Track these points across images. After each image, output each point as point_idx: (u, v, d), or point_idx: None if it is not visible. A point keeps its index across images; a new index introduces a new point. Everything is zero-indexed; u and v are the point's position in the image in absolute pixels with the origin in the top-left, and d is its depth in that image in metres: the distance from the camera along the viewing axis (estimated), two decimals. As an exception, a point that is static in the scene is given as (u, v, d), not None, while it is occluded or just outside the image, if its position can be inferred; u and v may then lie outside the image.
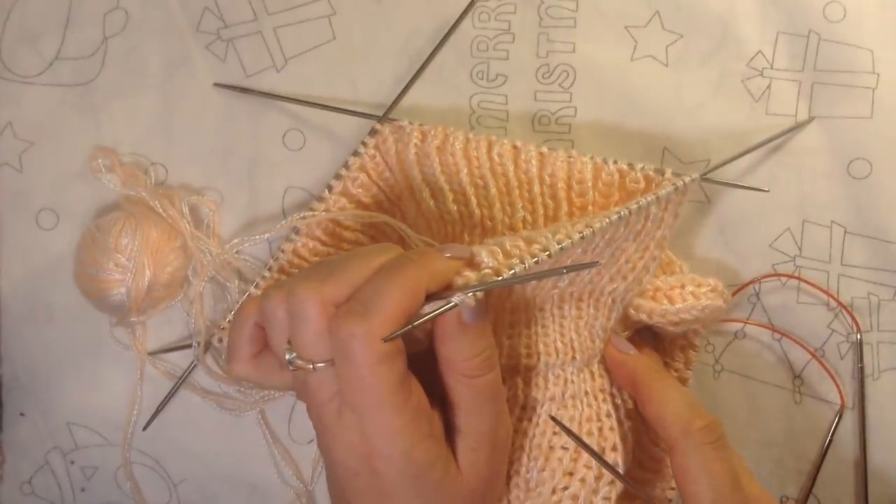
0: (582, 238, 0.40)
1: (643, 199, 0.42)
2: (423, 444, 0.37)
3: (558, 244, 0.39)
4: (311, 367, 0.37)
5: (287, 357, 0.37)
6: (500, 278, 0.37)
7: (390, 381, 0.35)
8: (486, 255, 0.38)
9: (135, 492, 0.54)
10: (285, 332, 0.38)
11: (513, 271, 0.37)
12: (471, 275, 0.37)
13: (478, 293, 0.36)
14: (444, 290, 0.37)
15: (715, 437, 0.41)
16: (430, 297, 0.37)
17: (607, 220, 0.41)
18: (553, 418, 0.43)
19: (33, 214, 0.53)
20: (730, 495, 0.40)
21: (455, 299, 0.36)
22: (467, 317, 0.37)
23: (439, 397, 0.39)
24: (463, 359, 0.38)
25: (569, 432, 0.42)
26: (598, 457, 0.42)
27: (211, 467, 0.54)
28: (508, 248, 0.39)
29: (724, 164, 0.48)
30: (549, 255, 0.38)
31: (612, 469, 0.42)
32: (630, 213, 0.42)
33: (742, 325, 0.51)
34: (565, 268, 0.38)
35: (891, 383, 0.50)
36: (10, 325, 0.54)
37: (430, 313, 0.36)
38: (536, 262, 0.38)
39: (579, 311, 0.45)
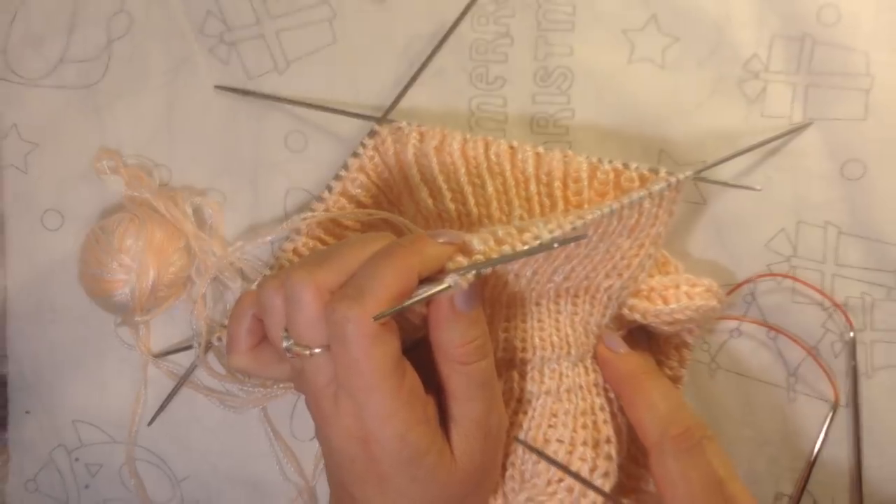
0: (573, 228, 0.40)
1: (635, 194, 0.43)
2: (418, 429, 0.37)
3: (549, 233, 0.40)
4: (308, 353, 0.37)
5: (284, 344, 0.38)
6: (493, 259, 0.38)
7: (384, 363, 0.36)
8: (478, 242, 0.39)
9: (139, 488, 0.55)
10: (282, 321, 0.38)
11: (504, 247, 0.38)
12: (463, 260, 0.38)
13: (470, 275, 0.37)
14: (436, 275, 0.38)
15: (690, 444, 0.42)
16: (423, 282, 0.37)
17: (599, 213, 0.41)
18: (520, 440, 0.43)
19: (38, 215, 0.53)
20: (706, 501, 0.41)
21: (448, 280, 0.36)
22: (460, 303, 0.38)
23: (435, 388, 0.40)
24: (456, 345, 0.38)
25: (537, 452, 0.43)
26: (574, 473, 0.43)
27: (214, 464, 0.55)
28: (501, 235, 0.40)
29: (719, 163, 0.48)
30: (541, 244, 0.39)
31: (588, 483, 0.43)
32: (622, 206, 0.42)
33: (737, 324, 0.51)
34: (556, 241, 0.39)
35: (884, 382, 0.51)
36: (16, 324, 0.54)
37: (422, 294, 0.36)
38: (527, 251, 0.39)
39: (575, 306, 0.46)
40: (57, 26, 0.52)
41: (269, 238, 0.50)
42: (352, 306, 0.35)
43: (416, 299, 0.36)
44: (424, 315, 0.39)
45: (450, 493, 0.39)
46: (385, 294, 0.36)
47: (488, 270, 0.38)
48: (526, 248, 0.39)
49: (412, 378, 0.38)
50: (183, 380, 0.53)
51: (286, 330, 0.38)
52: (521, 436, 0.44)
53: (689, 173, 0.45)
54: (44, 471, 0.56)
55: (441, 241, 0.39)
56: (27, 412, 0.55)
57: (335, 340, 0.36)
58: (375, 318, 0.35)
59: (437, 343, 0.39)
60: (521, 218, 0.47)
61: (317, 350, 0.37)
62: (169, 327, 0.53)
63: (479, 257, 0.38)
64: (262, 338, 0.41)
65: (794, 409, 0.52)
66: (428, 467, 0.38)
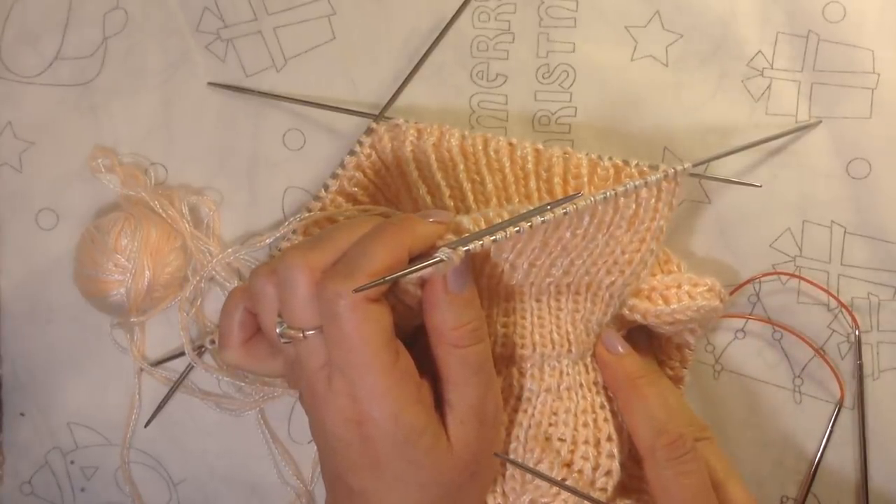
0: (565, 214, 0.40)
1: (630, 183, 0.43)
2: (412, 409, 0.37)
3: (541, 216, 0.39)
4: (302, 334, 0.37)
5: (278, 329, 0.38)
6: (484, 229, 0.38)
7: (377, 340, 0.36)
8: (469, 222, 0.39)
9: (133, 493, 0.54)
10: (275, 307, 0.38)
11: (500, 223, 0.38)
12: (453, 238, 0.38)
13: (461, 251, 0.37)
14: (428, 250, 0.38)
15: (681, 453, 0.42)
16: (413, 260, 0.37)
17: (592, 199, 0.41)
18: (498, 455, 0.43)
19: (33, 214, 0.53)
20: None
21: (440, 254, 0.36)
22: (452, 282, 0.37)
23: (431, 377, 0.39)
24: (450, 328, 0.38)
25: (525, 468, 0.43)
26: (559, 482, 0.42)
27: (211, 467, 0.54)
28: (492, 217, 0.40)
29: (718, 157, 0.48)
30: (531, 227, 0.39)
31: (579, 492, 0.43)
32: (616, 193, 0.42)
33: (742, 325, 0.51)
34: (549, 204, 0.39)
35: (891, 383, 0.50)
36: (11, 325, 0.54)
37: (413, 267, 0.36)
38: (518, 232, 0.38)
39: (576, 304, 0.45)
40: (52, 23, 0.52)
41: (268, 241, 0.50)
42: (343, 282, 0.35)
43: (405, 271, 0.36)
44: (419, 299, 0.39)
45: (446, 479, 0.39)
46: (376, 270, 0.36)
47: (479, 247, 0.38)
48: (518, 216, 0.39)
49: (405, 359, 0.38)
50: (177, 384, 0.53)
51: (280, 315, 0.38)
52: (522, 434, 0.44)
53: (686, 165, 0.45)
54: (39, 473, 0.55)
55: (431, 220, 0.39)
56: (21, 414, 0.55)
57: (327, 317, 0.36)
58: (356, 290, 0.35)
59: (432, 325, 0.39)
60: None
61: (310, 332, 0.37)
62: (165, 328, 0.53)
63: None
64: (255, 332, 0.41)
65: (800, 412, 0.51)
66: (424, 449, 0.38)
